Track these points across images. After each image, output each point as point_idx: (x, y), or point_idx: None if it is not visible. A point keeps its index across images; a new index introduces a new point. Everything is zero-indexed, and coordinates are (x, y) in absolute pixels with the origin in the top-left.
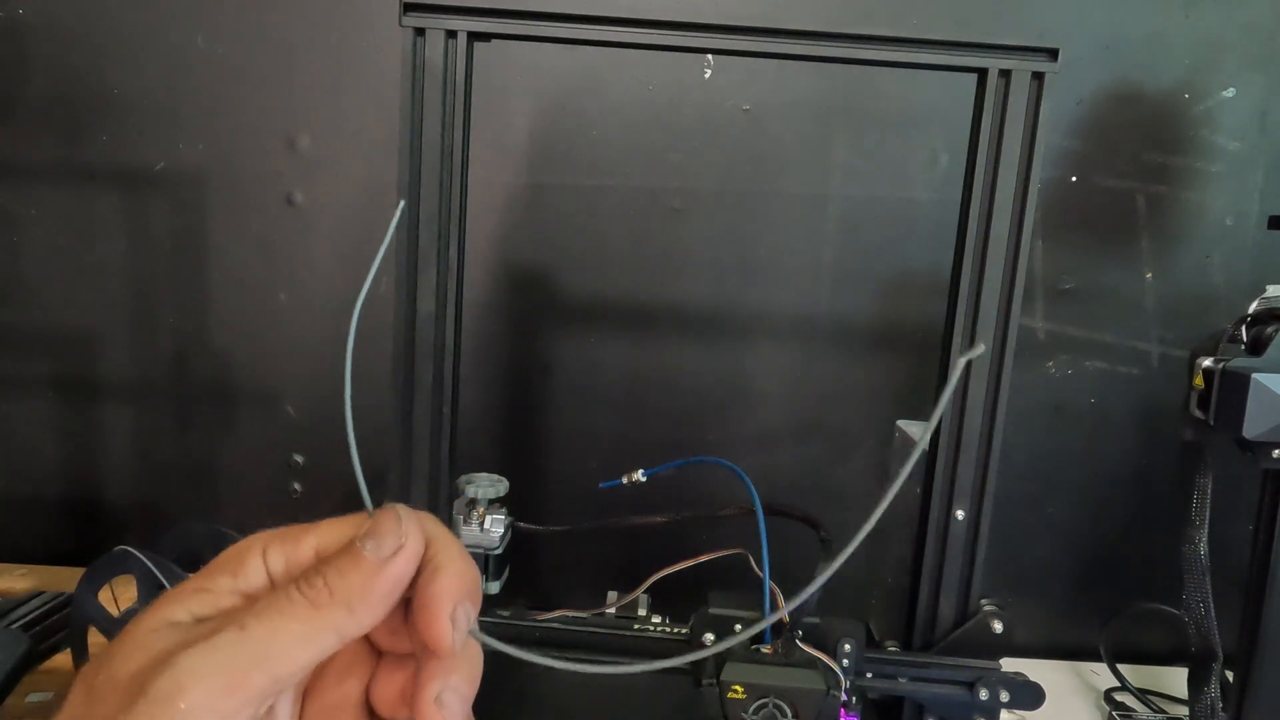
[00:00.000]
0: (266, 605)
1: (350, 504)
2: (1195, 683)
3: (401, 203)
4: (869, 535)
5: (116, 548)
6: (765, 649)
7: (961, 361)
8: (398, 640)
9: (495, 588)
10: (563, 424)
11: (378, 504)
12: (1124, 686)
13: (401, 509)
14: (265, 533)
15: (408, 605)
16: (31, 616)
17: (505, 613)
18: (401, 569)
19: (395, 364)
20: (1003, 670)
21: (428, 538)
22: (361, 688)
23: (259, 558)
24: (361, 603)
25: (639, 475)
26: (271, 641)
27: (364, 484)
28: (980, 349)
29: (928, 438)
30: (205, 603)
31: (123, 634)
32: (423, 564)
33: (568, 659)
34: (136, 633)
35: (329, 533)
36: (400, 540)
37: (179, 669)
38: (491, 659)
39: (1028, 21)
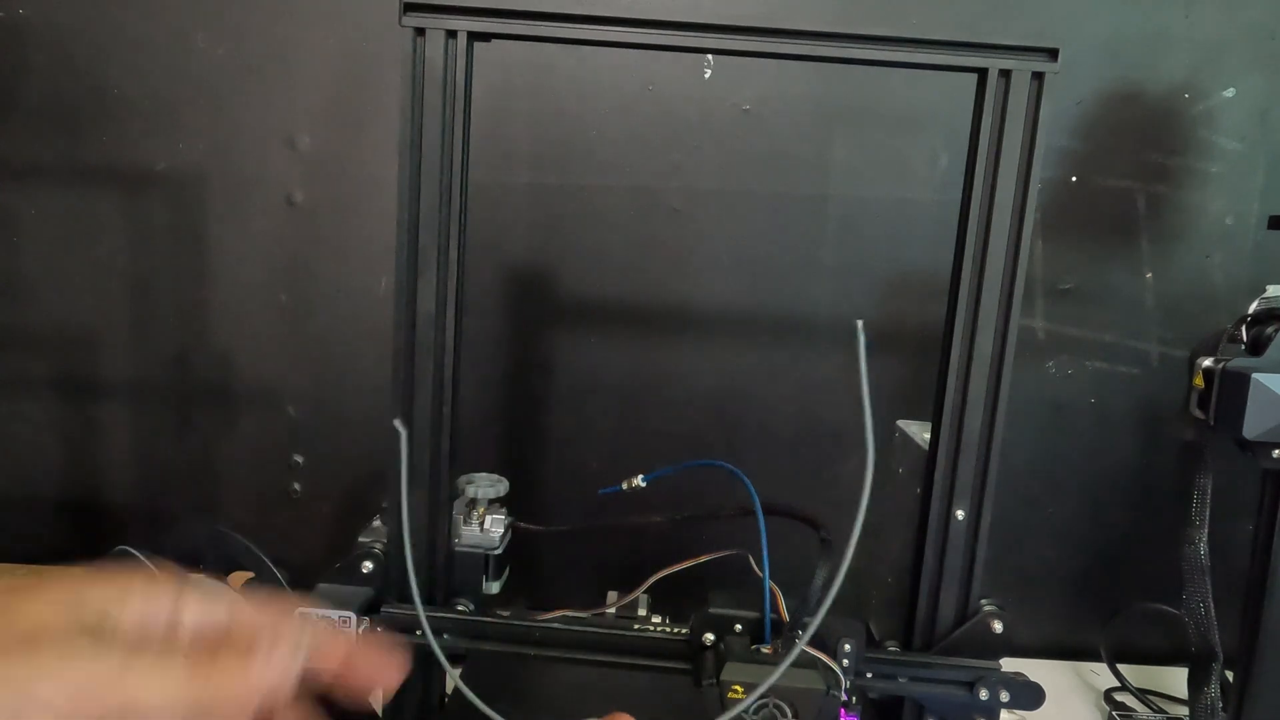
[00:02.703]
0: (152, 662)
1: (351, 504)
2: (1195, 683)
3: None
4: (869, 536)
5: (116, 548)
6: (765, 649)
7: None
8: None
9: (495, 588)
10: (563, 424)
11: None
12: (1124, 686)
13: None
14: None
15: None
16: None
17: (505, 613)
18: (275, 679)
19: (395, 364)
20: (1003, 670)
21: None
22: None
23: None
24: (230, 696)
25: (639, 481)
26: (140, 687)
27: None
28: None
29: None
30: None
31: (40, 587)
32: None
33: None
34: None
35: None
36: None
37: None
38: (493, 659)
39: (1028, 21)
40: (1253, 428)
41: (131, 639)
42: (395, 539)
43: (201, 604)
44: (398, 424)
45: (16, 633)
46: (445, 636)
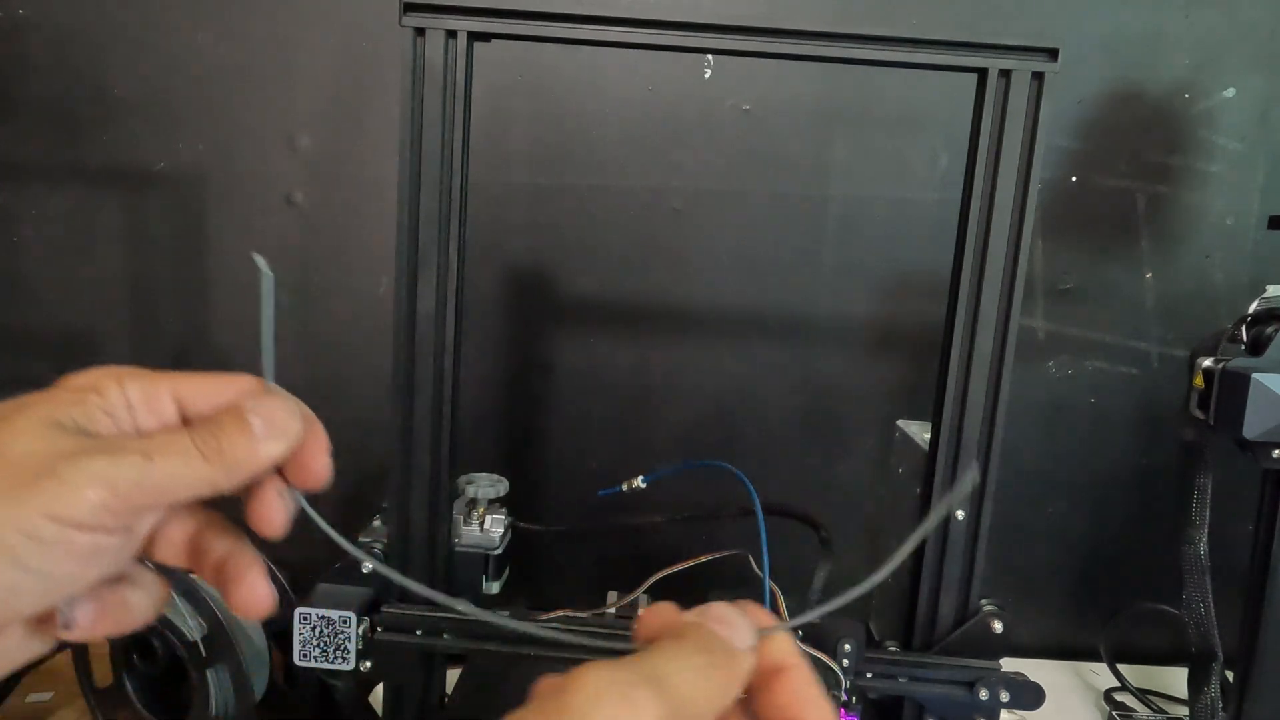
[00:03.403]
0: (166, 444)
1: (351, 504)
2: (1195, 683)
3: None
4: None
5: None
6: None
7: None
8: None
9: (495, 588)
10: (563, 424)
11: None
12: (1124, 686)
13: (292, 400)
14: (113, 367)
15: None
16: None
17: (505, 612)
18: (280, 451)
19: (395, 364)
20: (1003, 670)
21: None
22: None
23: (117, 386)
24: (240, 469)
25: (639, 482)
26: (167, 476)
27: (270, 356)
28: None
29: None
30: (82, 415)
31: (6, 420)
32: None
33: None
34: (24, 422)
35: (186, 385)
36: (286, 433)
37: (91, 468)
38: (491, 659)
39: (1028, 21)
40: (1253, 428)
41: (126, 432)
42: (395, 539)
43: (185, 384)
44: (257, 259)
45: (11, 463)
46: (445, 636)
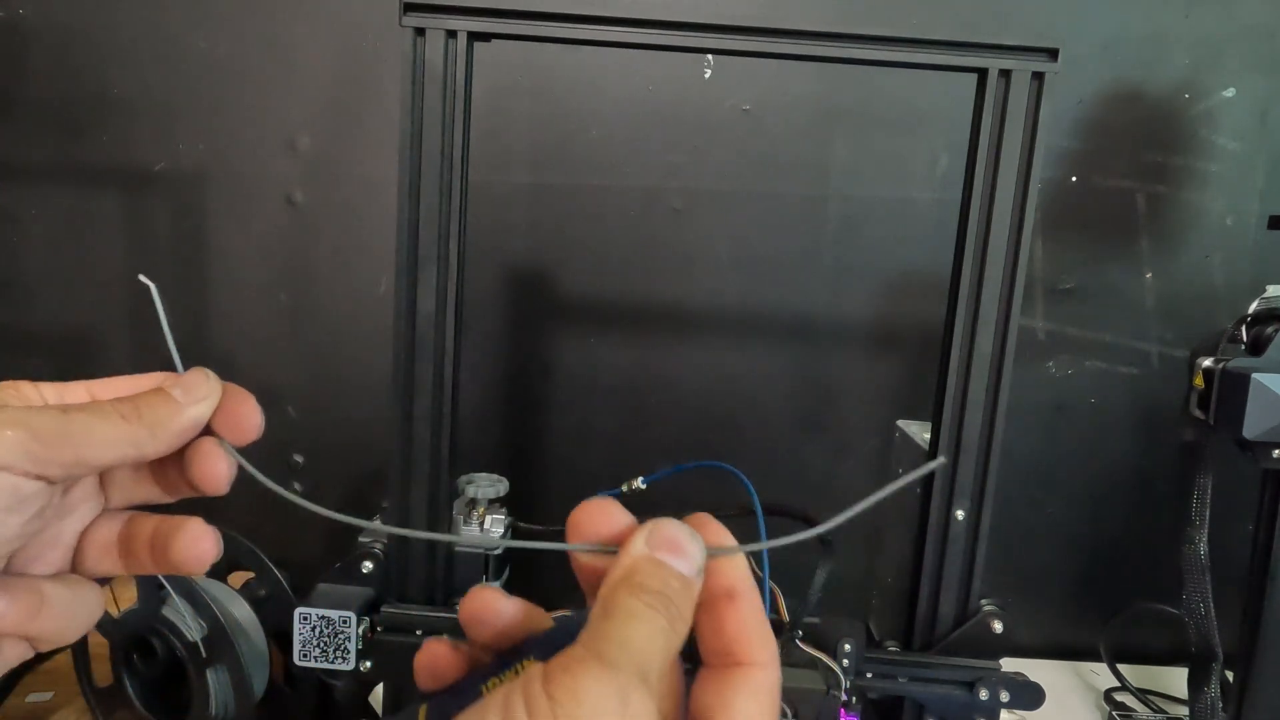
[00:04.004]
0: (83, 406)
1: (351, 505)
2: (1195, 683)
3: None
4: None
5: None
6: None
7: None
8: (138, 487)
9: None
10: (563, 424)
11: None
12: (1124, 686)
13: (207, 370)
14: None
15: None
16: None
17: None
18: (203, 411)
19: (395, 364)
20: (1003, 670)
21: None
22: (80, 529)
23: (32, 387)
24: (163, 429)
25: (639, 483)
26: (86, 429)
27: (174, 348)
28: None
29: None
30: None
31: None
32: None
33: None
34: None
35: (101, 385)
36: (207, 394)
37: (8, 415)
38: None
39: (1028, 21)
40: (1253, 428)
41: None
42: (395, 539)
43: (100, 384)
44: (143, 278)
45: None
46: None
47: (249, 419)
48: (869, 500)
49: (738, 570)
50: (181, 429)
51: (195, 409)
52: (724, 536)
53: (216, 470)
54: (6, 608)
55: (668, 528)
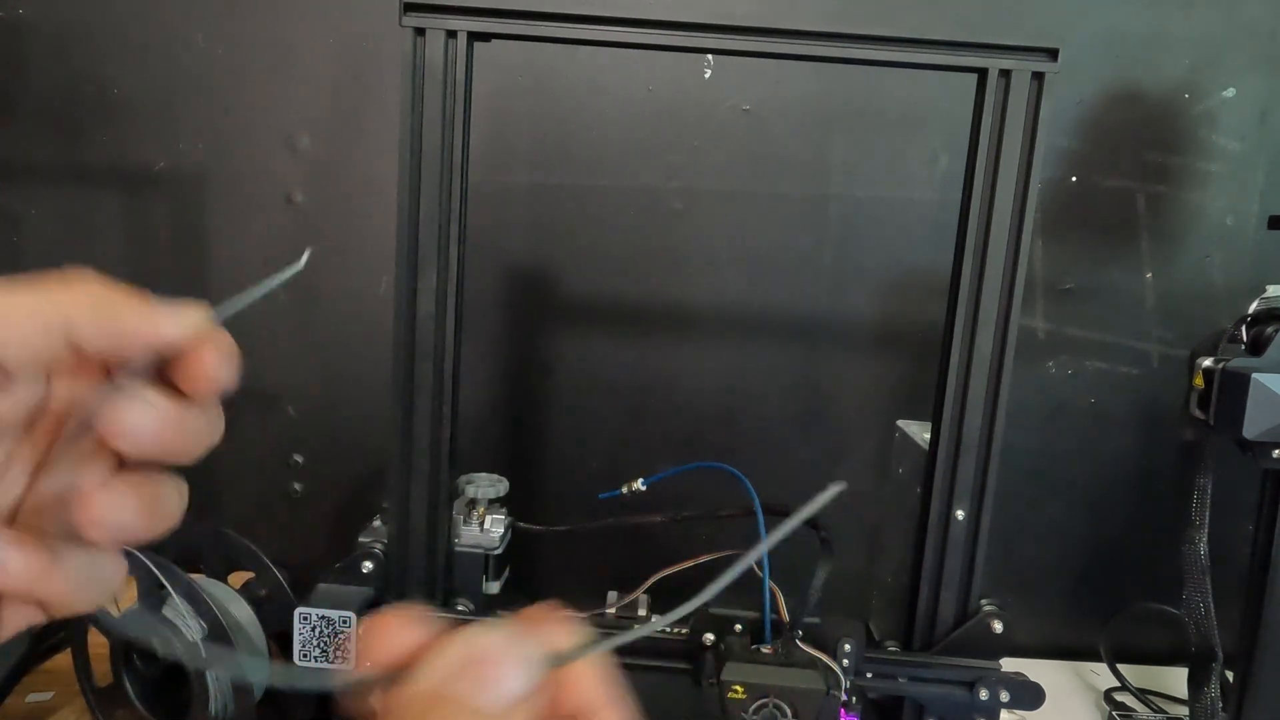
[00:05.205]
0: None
1: (352, 505)
2: (1195, 683)
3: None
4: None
5: None
6: (765, 649)
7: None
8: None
9: (495, 588)
10: (563, 424)
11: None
12: (1124, 686)
13: (210, 314)
14: None
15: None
16: None
17: (505, 613)
18: (180, 328)
19: (395, 364)
20: (1003, 670)
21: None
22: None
23: None
24: (131, 328)
25: (639, 484)
26: (50, 301)
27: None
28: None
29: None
30: None
31: None
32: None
33: None
34: None
35: None
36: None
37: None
38: None
39: (1028, 21)
40: (1253, 428)
41: None
42: (395, 539)
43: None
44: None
45: None
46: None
47: (213, 369)
48: (746, 559)
49: (595, 682)
50: (154, 339)
51: (173, 324)
52: (572, 638)
53: (209, 370)
54: (17, 563)
55: (481, 643)
